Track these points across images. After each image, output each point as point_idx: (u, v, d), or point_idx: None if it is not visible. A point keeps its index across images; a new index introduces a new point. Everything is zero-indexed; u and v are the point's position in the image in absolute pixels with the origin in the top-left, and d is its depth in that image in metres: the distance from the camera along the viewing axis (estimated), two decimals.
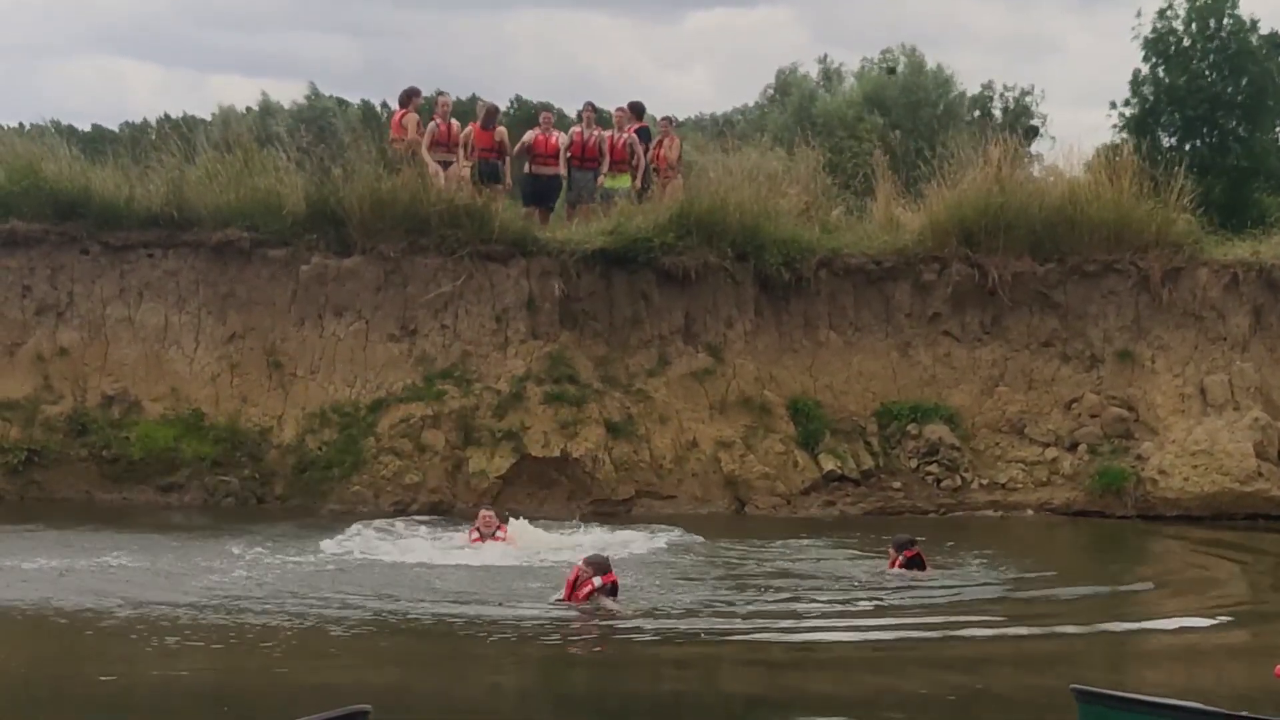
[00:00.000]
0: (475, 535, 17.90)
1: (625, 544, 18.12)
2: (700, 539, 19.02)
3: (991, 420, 23.45)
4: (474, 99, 36.16)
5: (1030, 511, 22.45)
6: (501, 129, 24.23)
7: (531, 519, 19.38)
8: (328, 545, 17.64)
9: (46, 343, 23.26)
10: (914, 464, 22.90)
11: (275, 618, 13.18)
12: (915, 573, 16.21)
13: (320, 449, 22.27)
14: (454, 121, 24.13)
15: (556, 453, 22.01)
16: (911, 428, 23.13)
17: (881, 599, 14.81)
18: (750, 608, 14.12)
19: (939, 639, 12.85)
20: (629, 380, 22.92)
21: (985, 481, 22.82)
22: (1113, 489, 22.51)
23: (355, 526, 19.12)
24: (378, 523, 19.64)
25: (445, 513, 21.39)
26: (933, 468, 22.81)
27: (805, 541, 18.98)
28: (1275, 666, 10.33)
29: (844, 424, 23.21)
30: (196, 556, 16.70)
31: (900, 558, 16.42)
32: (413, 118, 23.86)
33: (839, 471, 22.60)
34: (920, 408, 23.30)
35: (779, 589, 15.23)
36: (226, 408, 22.84)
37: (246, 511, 21.39)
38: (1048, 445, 23.16)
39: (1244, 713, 8.51)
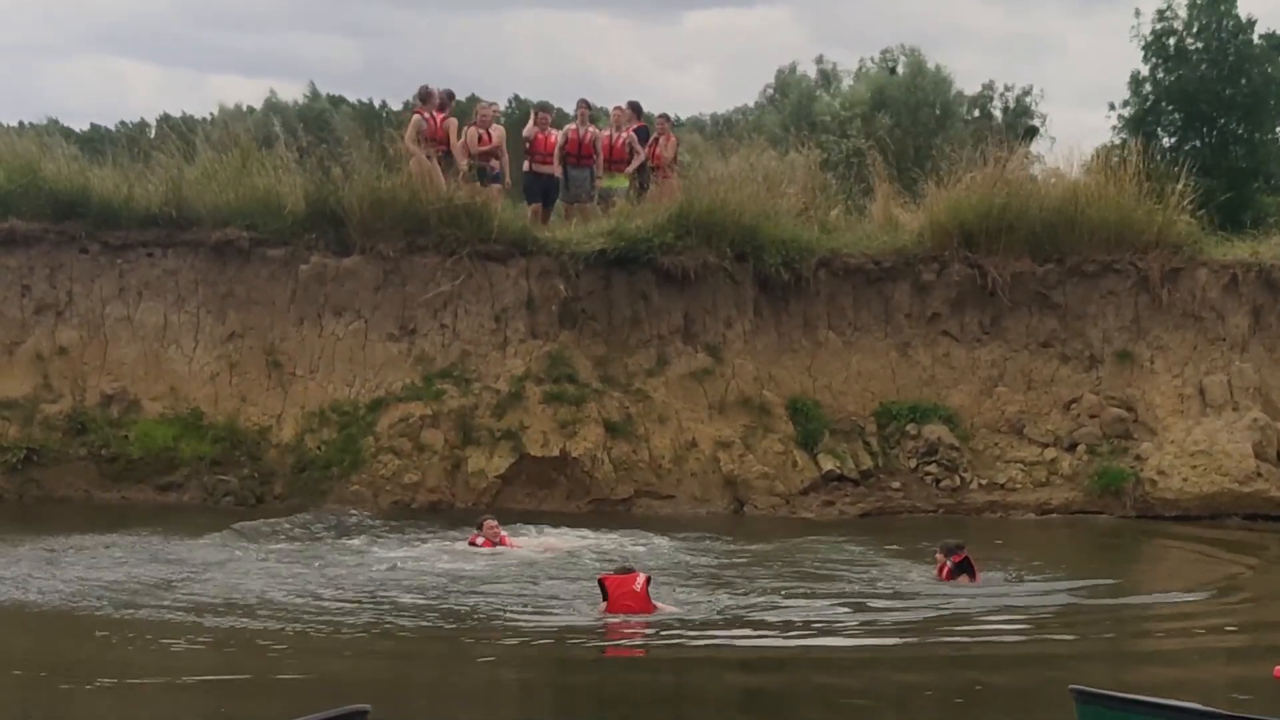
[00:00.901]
0: (484, 540, 17.58)
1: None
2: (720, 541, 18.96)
3: (990, 420, 23.44)
4: (473, 99, 36.17)
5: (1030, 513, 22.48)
6: (474, 130, 23.90)
7: (531, 518, 19.43)
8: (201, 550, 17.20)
9: (45, 342, 23.26)
10: (913, 464, 22.89)
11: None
12: (964, 580, 15.54)
13: (319, 448, 22.27)
14: (437, 115, 24.03)
15: (555, 452, 22.01)
16: (910, 428, 23.12)
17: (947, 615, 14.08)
18: (781, 620, 13.65)
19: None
20: (628, 380, 22.91)
21: (984, 482, 22.81)
22: (1111, 489, 22.51)
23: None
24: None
25: (444, 512, 21.42)
26: (932, 468, 22.80)
27: (835, 541, 18.78)
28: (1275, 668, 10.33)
29: (843, 424, 23.20)
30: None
31: (949, 564, 15.68)
32: (452, 121, 23.71)
33: (838, 471, 22.59)
34: (919, 408, 23.29)
35: (817, 601, 14.68)
36: (225, 407, 22.84)
37: (245, 511, 21.42)
38: (1047, 445, 23.15)
39: (1241, 713, 8.51)
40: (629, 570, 13.71)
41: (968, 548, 16.04)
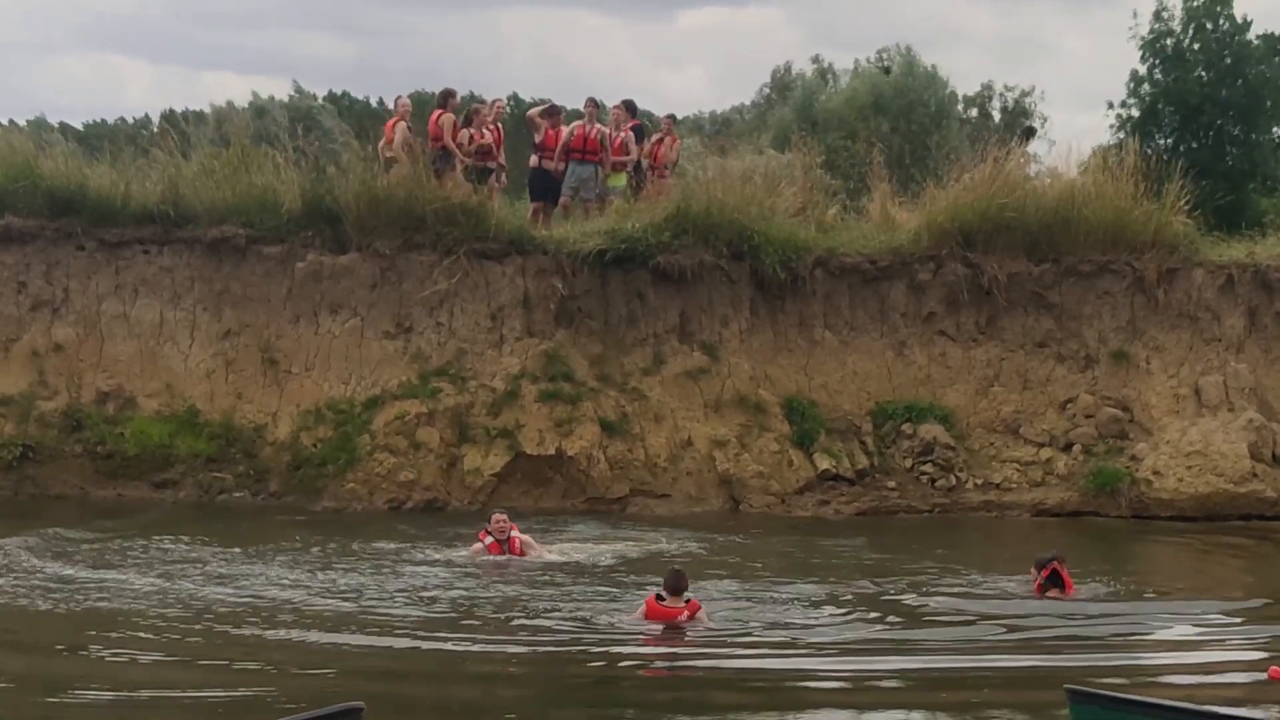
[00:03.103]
0: (491, 542, 16.81)
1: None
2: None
3: (986, 420, 23.44)
4: (471, 97, 36.13)
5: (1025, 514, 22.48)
6: (477, 131, 23.93)
7: (529, 515, 19.34)
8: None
9: (41, 339, 23.25)
10: (909, 463, 22.89)
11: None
12: (1055, 594, 14.85)
13: (315, 446, 22.26)
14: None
15: (551, 451, 22.00)
16: (906, 427, 23.12)
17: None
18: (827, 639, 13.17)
19: None
20: (624, 379, 22.91)
21: (980, 481, 22.82)
22: (1107, 489, 22.50)
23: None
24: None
25: (439, 510, 21.42)
26: (927, 467, 22.81)
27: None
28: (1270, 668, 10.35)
29: (839, 423, 23.20)
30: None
31: (1039, 578, 14.96)
32: (448, 118, 23.69)
33: (834, 471, 22.60)
34: (915, 407, 23.29)
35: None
36: (221, 404, 22.83)
37: (241, 508, 21.44)
38: (1042, 445, 23.16)
39: (1238, 712, 8.52)
40: (681, 590, 13.20)
41: (1060, 558, 15.27)
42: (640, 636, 13.01)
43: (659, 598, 13.26)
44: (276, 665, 11.43)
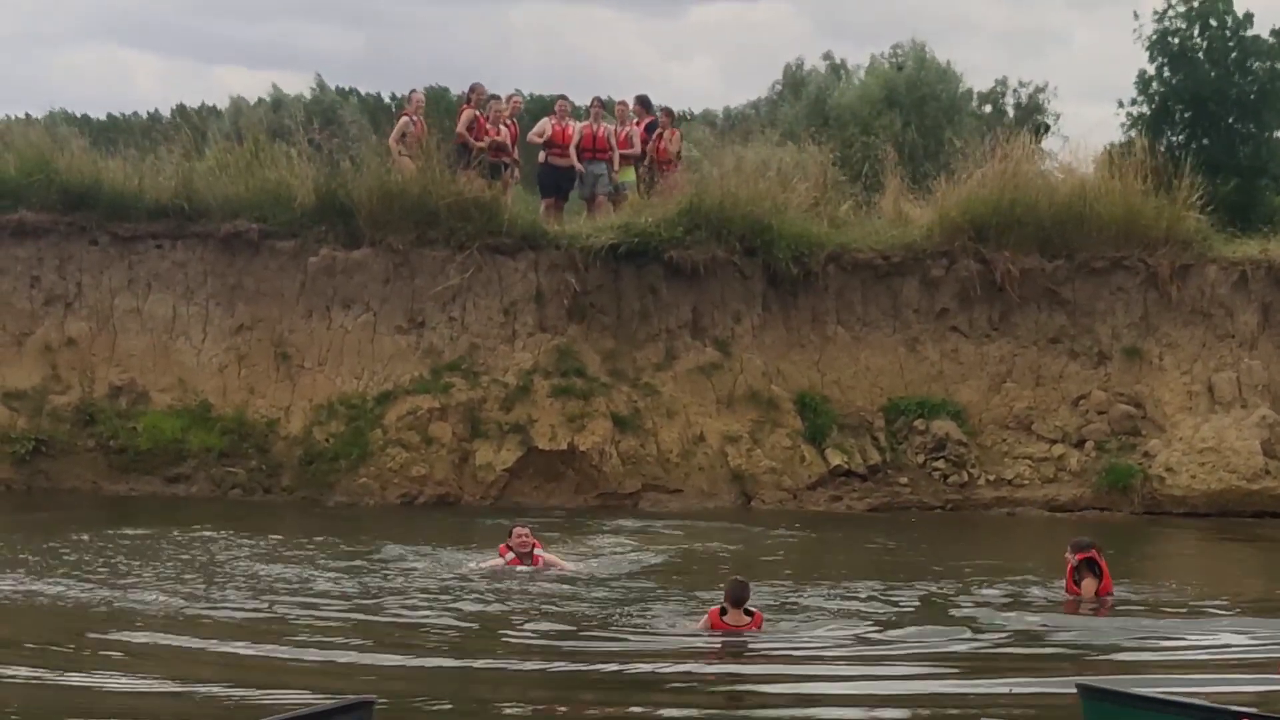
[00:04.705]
0: (512, 557, 15.66)
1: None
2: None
3: (999, 416, 23.42)
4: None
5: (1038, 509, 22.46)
6: (493, 127, 23.91)
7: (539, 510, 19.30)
8: None
9: (54, 333, 23.31)
10: (921, 460, 22.88)
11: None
12: (1087, 585, 14.22)
13: (327, 441, 22.31)
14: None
15: (563, 446, 22.02)
16: (919, 423, 23.11)
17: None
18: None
19: None
20: (636, 374, 22.92)
21: (992, 478, 22.80)
22: (1119, 486, 22.49)
23: None
24: None
25: (451, 505, 21.44)
26: (939, 463, 22.80)
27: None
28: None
29: (851, 419, 23.19)
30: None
31: (1073, 561, 14.35)
32: (468, 114, 23.67)
33: (846, 466, 22.59)
34: (927, 403, 23.28)
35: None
36: (234, 399, 22.87)
37: (253, 503, 21.48)
38: (1055, 442, 23.14)
39: (1249, 709, 8.50)
40: (744, 601, 12.46)
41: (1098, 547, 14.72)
42: (696, 650, 12.24)
43: (722, 611, 12.47)
44: (281, 674, 11.20)
